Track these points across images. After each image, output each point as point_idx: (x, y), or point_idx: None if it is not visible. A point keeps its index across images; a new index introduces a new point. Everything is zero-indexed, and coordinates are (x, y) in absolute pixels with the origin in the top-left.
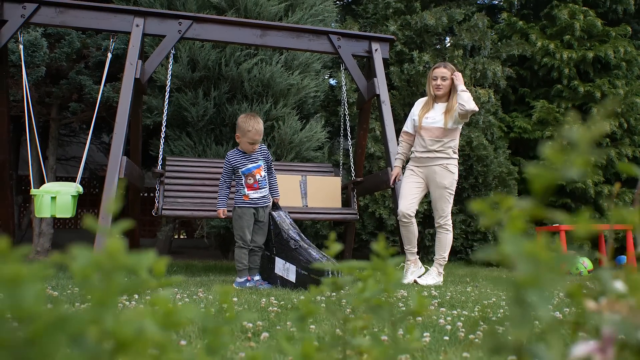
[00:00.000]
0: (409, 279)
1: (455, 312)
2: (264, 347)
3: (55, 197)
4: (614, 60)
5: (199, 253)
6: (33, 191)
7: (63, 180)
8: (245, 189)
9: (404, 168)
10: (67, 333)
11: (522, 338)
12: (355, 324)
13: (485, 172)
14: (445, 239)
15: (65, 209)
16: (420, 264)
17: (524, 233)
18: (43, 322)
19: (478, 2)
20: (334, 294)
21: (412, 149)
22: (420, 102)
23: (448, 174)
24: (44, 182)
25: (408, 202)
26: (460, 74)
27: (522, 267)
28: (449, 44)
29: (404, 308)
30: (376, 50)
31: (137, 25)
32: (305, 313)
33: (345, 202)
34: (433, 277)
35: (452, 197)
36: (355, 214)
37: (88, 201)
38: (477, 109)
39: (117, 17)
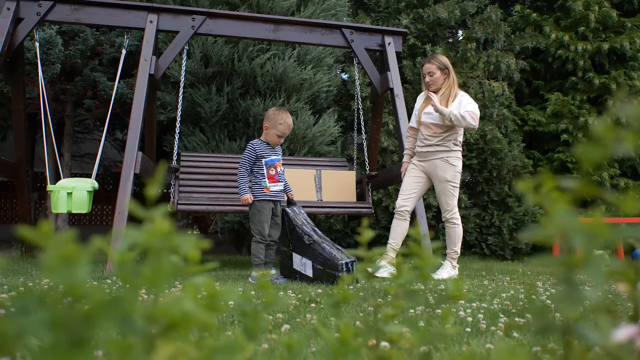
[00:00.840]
0: (381, 272)
1: (474, 304)
2: (295, 334)
3: (71, 193)
4: (630, 51)
5: (213, 248)
6: (50, 187)
7: (78, 177)
8: (267, 181)
9: None
10: (118, 314)
11: (572, 317)
12: (387, 311)
13: (500, 165)
14: (454, 233)
15: (81, 204)
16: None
17: (571, 212)
18: (97, 301)
19: None
20: (351, 286)
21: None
22: (421, 96)
23: (449, 167)
24: (60, 179)
25: (404, 197)
26: (433, 100)
27: (578, 243)
28: (461, 37)
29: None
30: (389, 43)
31: (151, 22)
32: (340, 299)
33: (360, 196)
34: (447, 270)
35: (457, 189)
36: (370, 207)
37: (102, 197)
38: (474, 123)
39: (131, 14)
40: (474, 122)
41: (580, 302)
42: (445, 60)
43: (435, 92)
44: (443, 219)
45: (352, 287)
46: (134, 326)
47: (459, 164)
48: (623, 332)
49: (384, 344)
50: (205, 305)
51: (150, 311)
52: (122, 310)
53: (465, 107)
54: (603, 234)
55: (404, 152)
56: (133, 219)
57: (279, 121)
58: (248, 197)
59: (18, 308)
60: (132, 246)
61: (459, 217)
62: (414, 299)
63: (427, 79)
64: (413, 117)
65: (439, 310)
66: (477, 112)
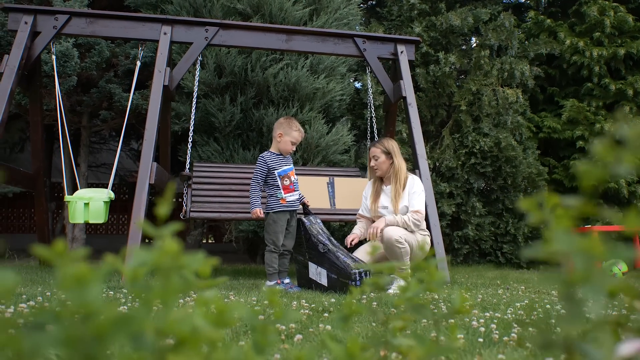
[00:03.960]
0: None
1: (487, 314)
2: (306, 346)
3: (88, 204)
4: None
5: (227, 257)
6: (67, 198)
7: (94, 187)
8: (282, 192)
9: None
10: (130, 331)
11: (573, 334)
12: (395, 324)
13: (515, 173)
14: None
15: (97, 214)
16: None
17: (571, 230)
18: (107, 319)
19: (504, 1)
20: (364, 296)
21: None
22: (369, 185)
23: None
24: (77, 189)
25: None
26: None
27: (576, 263)
28: (475, 45)
29: (435, 310)
30: (402, 52)
31: (165, 33)
32: (348, 313)
33: None
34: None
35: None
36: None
37: (118, 207)
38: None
39: (145, 26)
40: (416, 227)
41: (581, 320)
42: (390, 144)
43: (385, 176)
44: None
45: (364, 298)
46: (145, 342)
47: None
48: (629, 347)
49: (394, 355)
50: (214, 320)
51: (161, 328)
52: (133, 327)
53: (412, 205)
54: (600, 253)
55: (357, 226)
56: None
57: (294, 128)
58: (258, 211)
59: (34, 324)
60: (142, 264)
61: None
62: (421, 313)
63: (372, 163)
64: (364, 206)
65: (452, 321)
66: (422, 209)
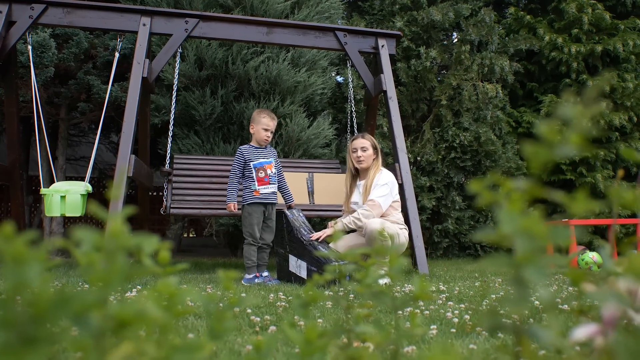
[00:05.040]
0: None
1: (462, 305)
2: (269, 336)
3: (64, 196)
4: (623, 53)
5: (208, 251)
6: (43, 190)
7: (73, 180)
8: (256, 184)
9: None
10: (71, 312)
11: (520, 316)
12: (359, 311)
13: (494, 167)
14: None
15: (74, 207)
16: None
17: (522, 213)
18: (47, 300)
19: None
20: (342, 288)
21: None
22: (347, 177)
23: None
24: (54, 182)
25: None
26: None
27: (519, 244)
28: (455, 40)
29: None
30: (383, 46)
31: (144, 25)
32: (308, 300)
33: None
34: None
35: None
36: None
37: (98, 200)
38: (364, 220)
39: (124, 17)
40: (365, 219)
41: (526, 302)
42: (375, 140)
43: (364, 170)
44: None
45: (342, 289)
46: (88, 324)
47: (402, 232)
48: (582, 331)
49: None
50: (165, 305)
51: (106, 310)
52: (73, 308)
53: (370, 195)
54: (542, 235)
55: (339, 220)
56: (132, 224)
57: (262, 115)
58: (232, 206)
59: None
60: (95, 247)
61: None
62: (380, 300)
63: (360, 153)
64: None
65: (427, 312)
66: (378, 199)
